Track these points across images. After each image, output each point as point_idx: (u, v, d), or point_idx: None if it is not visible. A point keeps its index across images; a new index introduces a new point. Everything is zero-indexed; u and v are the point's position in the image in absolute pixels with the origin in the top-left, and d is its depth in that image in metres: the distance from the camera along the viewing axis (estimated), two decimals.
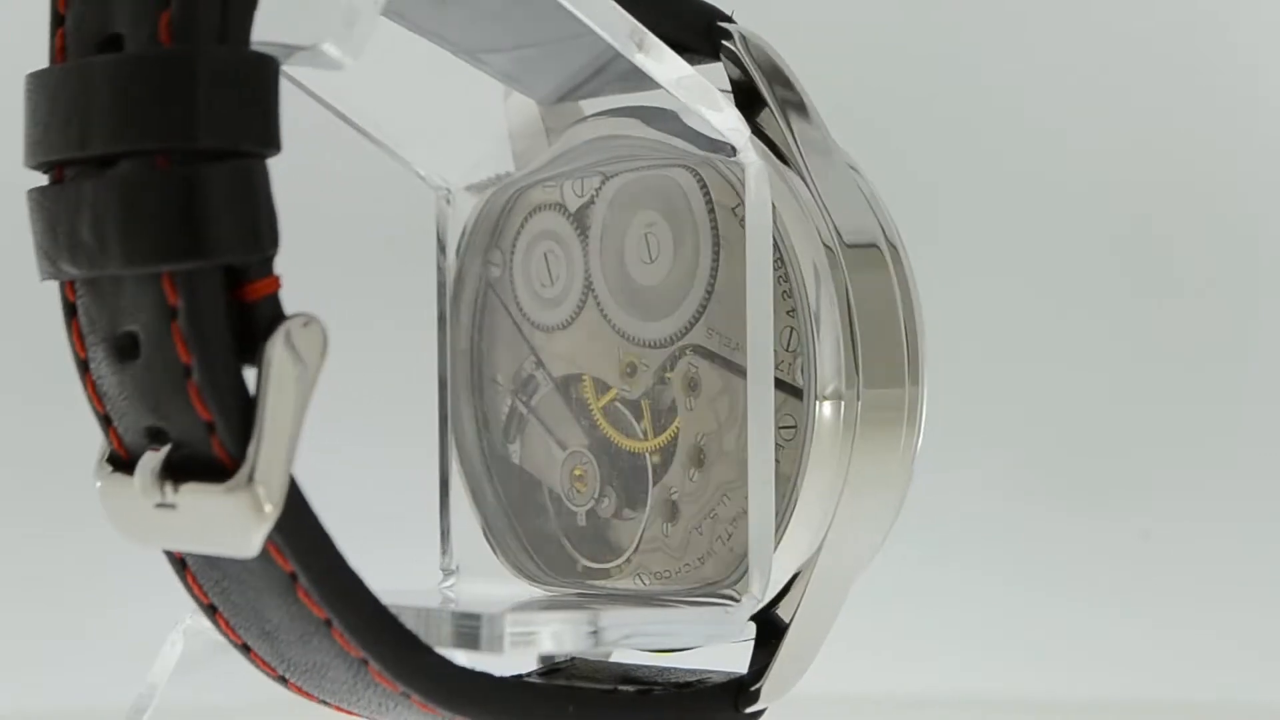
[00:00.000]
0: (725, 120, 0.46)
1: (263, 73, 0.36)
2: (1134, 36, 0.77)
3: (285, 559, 0.37)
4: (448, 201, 0.55)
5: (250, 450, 0.36)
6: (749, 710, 0.47)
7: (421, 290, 0.57)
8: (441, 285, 0.56)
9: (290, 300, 0.70)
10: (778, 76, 0.48)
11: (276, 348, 0.36)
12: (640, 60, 0.44)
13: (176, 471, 0.38)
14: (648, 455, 0.51)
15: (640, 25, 0.44)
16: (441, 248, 0.56)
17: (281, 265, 0.69)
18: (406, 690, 0.39)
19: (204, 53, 0.36)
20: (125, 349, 0.39)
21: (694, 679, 0.48)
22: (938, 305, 0.77)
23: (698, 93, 0.45)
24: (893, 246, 0.48)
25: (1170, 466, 0.77)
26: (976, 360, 0.76)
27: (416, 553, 0.57)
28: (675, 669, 0.50)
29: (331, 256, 0.73)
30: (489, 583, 0.55)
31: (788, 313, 0.47)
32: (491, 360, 0.55)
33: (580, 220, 0.52)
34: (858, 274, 0.46)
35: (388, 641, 0.39)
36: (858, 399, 0.46)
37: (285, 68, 0.48)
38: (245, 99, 0.36)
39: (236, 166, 0.36)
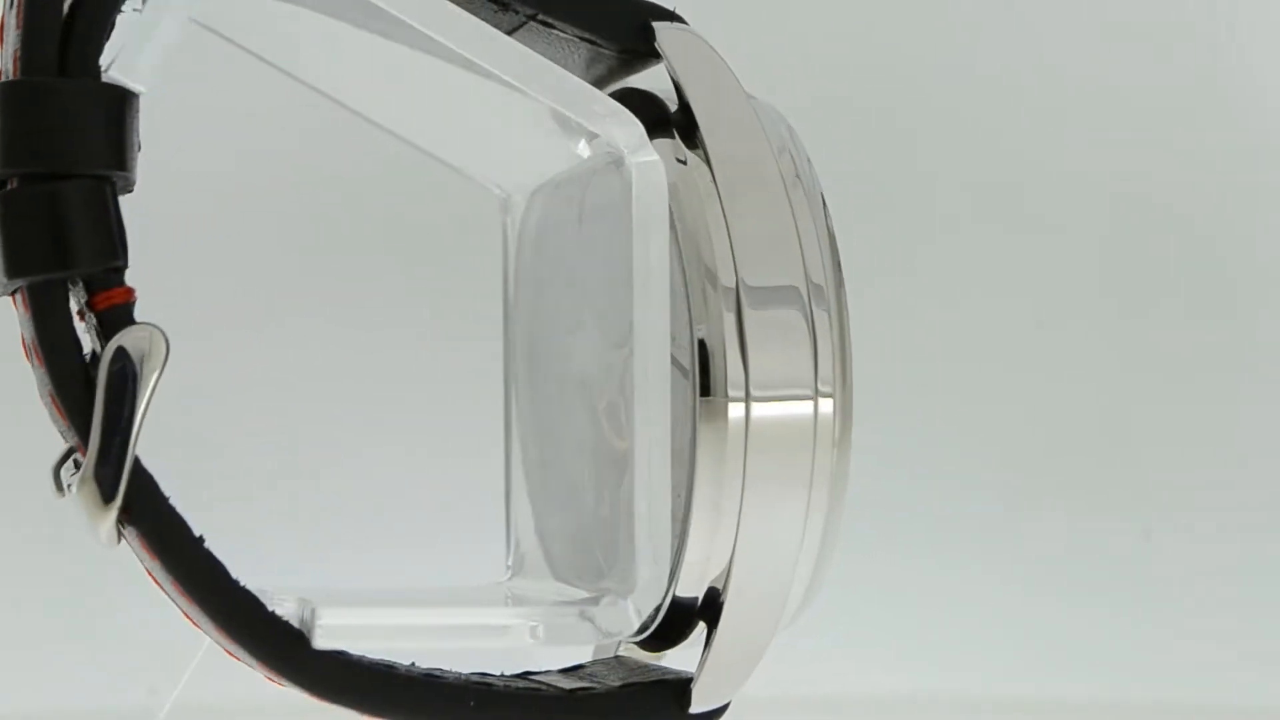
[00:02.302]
0: (605, 124, 0.46)
1: (100, 101, 0.41)
2: (1132, 37, 0.77)
3: (152, 553, 0.41)
4: (504, 208, 0.57)
5: (90, 449, 0.40)
6: (694, 711, 0.47)
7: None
8: (506, 287, 0.58)
9: (377, 302, 0.73)
10: (704, 72, 0.48)
11: (108, 354, 0.40)
12: (498, 68, 0.46)
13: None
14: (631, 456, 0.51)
15: (487, 27, 0.46)
16: (505, 251, 0.58)
17: (368, 269, 0.72)
18: (286, 680, 0.42)
19: (39, 84, 0.40)
20: (32, 358, 0.43)
21: (650, 678, 0.48)
22: (935, 305, 0.78)
23: (578, 96, 0.46)
24: (808, 240, 0.47)
25: (1171, 467, 0.76)
26: (976, 360, 0.77)
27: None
28: (658, 668, 0.50)
29: (413, 261, 0.76)
30: (538, 580, 0.56)
31: None
32: (545, 360, 0.56)
33: (581, 217, 0.54)
34: (754, 271, 0.46)
35: (259, 633, 0.42)
36: (747, 395, 0.45)
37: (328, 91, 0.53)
38: (80, 126, 0.41)
39: (72, 187, 0.41)
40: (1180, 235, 0.77)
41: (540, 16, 0.48)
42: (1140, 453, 0.77)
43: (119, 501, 0.40)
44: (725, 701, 0.47)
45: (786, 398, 0.45)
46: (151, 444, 0.47)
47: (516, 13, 0.48)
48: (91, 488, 0.40)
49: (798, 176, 0.48)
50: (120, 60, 0.42)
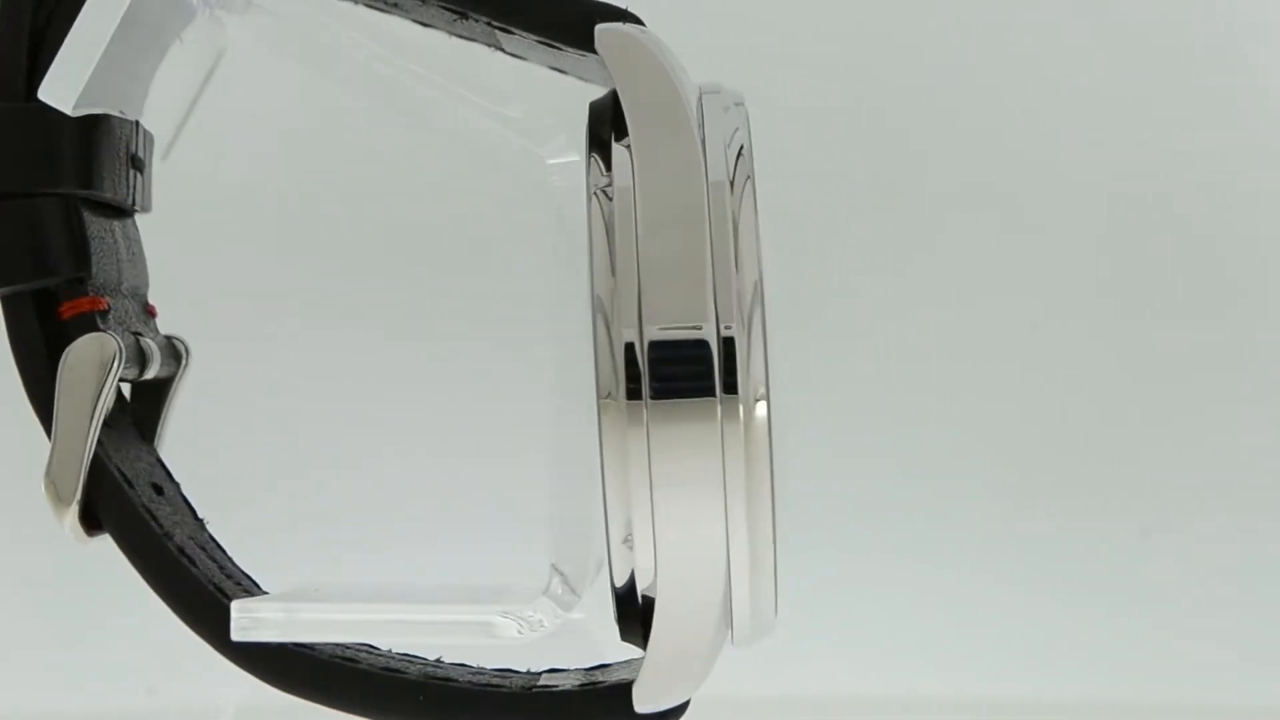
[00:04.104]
0: (521, 127, 0.48)
1: (65, 124, 0.45)
2: (1129, 35, 0.78)
3: (120, 548, 0.44)
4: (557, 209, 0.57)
5: (50, 451, 0.44)
6: (641, 711, 0.47)
7: None
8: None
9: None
10: (639, 73, 0.47)
11: (64, 361, 0.45)
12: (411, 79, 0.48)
13: None
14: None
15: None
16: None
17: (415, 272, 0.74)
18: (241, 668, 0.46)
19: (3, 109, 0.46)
20: None
21: (616, 679, 0.49)
22: (931, 304, 0.78)
23: (495, 102, 0.48)
24: (721, 245, 0.45)
25: (1169, 467, 0.77)
26: (973, 360, 0.77)
27: None
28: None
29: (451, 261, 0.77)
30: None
31: None
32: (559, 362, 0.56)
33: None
34: (658, 274, 0.45)
35: (214, 625, 0.46)
36: (645, 398, 0.44)
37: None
38: (41, 148, 0.46)
39: (34, 205, 0.46)
40: (1178, 235, 0.77)
41: (495, 23, 0.49)
42: (1138, 452, 0.77)
43: (78, 497, 0.45)
44: (673, 704, 0.47)
45: (687, 396, 0.44)
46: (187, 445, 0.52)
47: (476, 20, 0.49)
48: (47, 488, 0.45)
49: (732, 178, 0.47)
50: (47, 84, 0.45)
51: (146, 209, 0.53)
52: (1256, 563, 0.76)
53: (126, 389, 0.51)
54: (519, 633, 0.47)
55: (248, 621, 0.46)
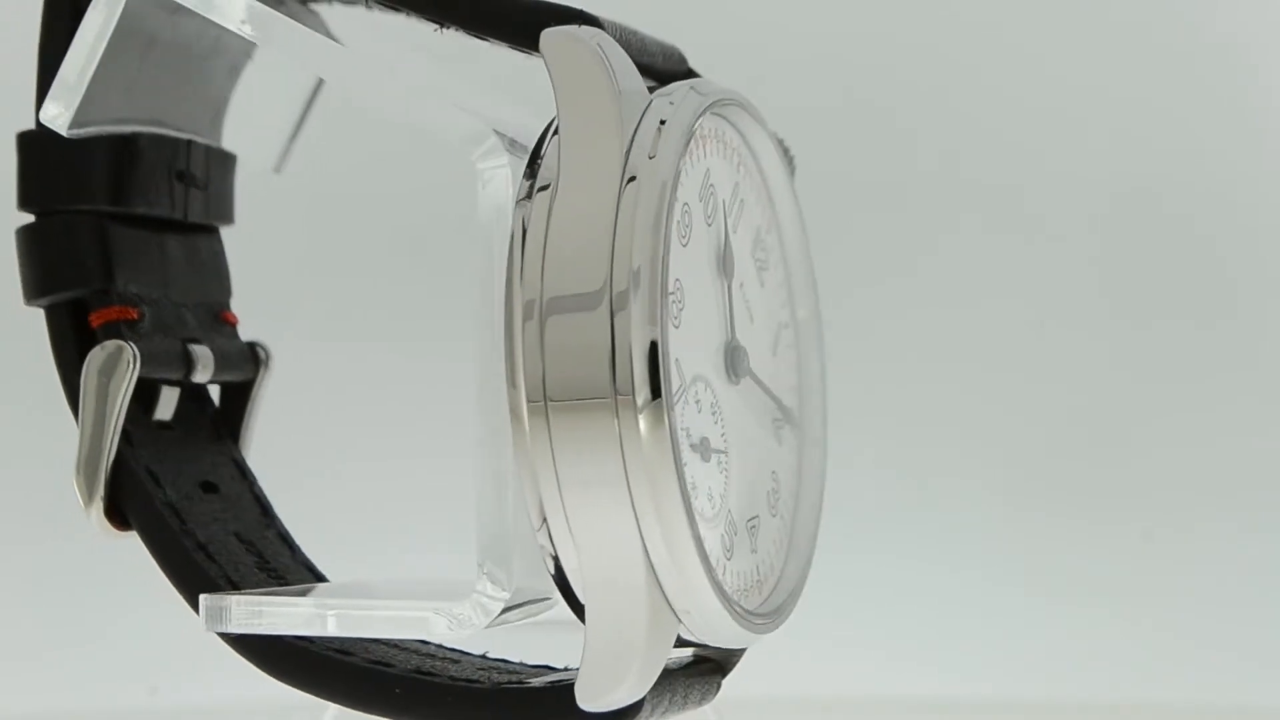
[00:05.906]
0: (447, 127, 0.48)
1: (73, 145, 0.49)
2: (1132, 36, 0.79)
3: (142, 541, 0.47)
4: None
5: (77, 450, 0.48)
6: (585, 709, 0.46)
7: None
8: None
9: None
10: (574, 78, 0.46)
11: (85, 367, 0.48)
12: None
13: None
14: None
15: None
16: None
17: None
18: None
19: (39, 133, 0.49)
20: None
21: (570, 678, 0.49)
22: (934, 305, 0.78)
23: (423, 96, 0.48)
24: (623, 252, 0.45)
25: (1172, 468, 0.78)
26: (976, 361, 0.78)
27: None
28: None
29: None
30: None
31: None
32: None
33: None
34: (561, 279, 0.45)
35: None
36: (545, 399, 0.45)
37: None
38: (60, 167, 0.50)
39: (58, 220, 0.50)
40: (1181, 236, 0.78)
41: (470, 31, 0.49)
42: (1141, 454, 0.78)
43: (101, 493, 0.48)
44: (620, 704, 0.47)
45: (584, 399, 0.45)
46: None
47: (455, 29, 0.50)
48: (76, 484, 0.48)
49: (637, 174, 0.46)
50: (44, 111, 0.48)
51: (222, 221, 0.55)
52: (1257, 564, 0.77)
53: (215, 391, 0.54)
54: (449, 629, 0.47)
55: (217, 614, 0.48)
